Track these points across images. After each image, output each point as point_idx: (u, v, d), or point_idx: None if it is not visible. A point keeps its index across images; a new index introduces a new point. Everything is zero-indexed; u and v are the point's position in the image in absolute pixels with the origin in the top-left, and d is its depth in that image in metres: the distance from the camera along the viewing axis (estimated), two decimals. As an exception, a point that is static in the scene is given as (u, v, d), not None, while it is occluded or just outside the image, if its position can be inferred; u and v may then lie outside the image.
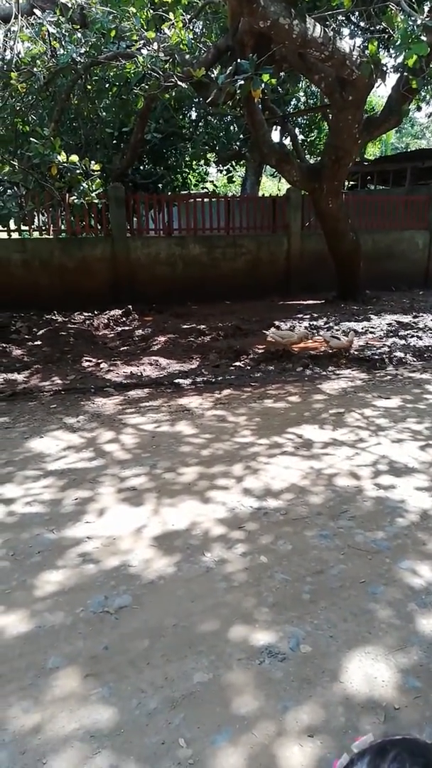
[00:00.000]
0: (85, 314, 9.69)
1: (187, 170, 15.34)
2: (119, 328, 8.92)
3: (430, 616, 2.45)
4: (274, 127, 14.37)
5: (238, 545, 3.00)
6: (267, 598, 2.58)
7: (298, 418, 5.01)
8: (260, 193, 17.78)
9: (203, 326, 8.78)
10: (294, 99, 15.41)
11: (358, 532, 3.13)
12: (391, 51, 10.46)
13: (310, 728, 1.93)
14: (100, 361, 6.93)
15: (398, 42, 6.09)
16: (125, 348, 7.73)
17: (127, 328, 8.95)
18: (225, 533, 3.12)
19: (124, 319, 9.38)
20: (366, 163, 17.56)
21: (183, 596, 2.60)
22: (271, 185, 27.66)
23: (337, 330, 8.62)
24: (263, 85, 5.81)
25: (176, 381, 6.08)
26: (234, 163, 16.33)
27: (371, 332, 8.45)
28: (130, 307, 9.67)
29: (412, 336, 8.15)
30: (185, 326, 8.84)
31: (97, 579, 2.73)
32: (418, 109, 12.00)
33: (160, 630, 2.40)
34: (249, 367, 6.69)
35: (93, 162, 7.04)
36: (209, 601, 2.57)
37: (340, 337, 7.12)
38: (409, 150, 24.10)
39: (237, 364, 6.81)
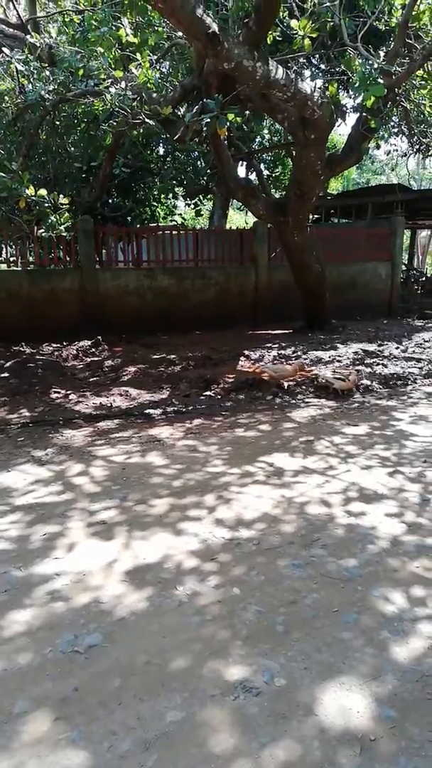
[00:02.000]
0: (54, 345, 9.62)
1: (155, 203, 15.57)
2: (88, 359, 8.87)
3: (403, 643, 2.45)
4: (240, 162, 14.76)
5: (211, 577, 2.96)
6: (241, 631, 2.55)
7: (268, 446, 5.03)
8: (228, 226, 18.13)
9: (173, 356, 8.80)
10: (259, 136, 15.88)
11: (330, 560, 3.13)
12: (351, 92, 10.95)
13: (287, 764, 1.89)
14: (69, 392, 6.86)
15: (357, 84, 6.39)
16: (95, 379, 7.68)
17: (96, 358, 8.91)
18: (197, 565, 3.08)
19: (93, 349, 9.34)
20: (329, 198, 18.11)
21: (155, 632, 2.55)
22: (239, 218, 28.24)
23: (305, 358, 8.74)
24: (228, 123, 6.00)
25: (147, 411, 6.06)
26: (201, 197, 16.65)
27: (338, 361, 8.59)
28: (99, 338, 9.65)
29: (378, 364, 8.32)
30: (155, 356, 8.85)
31: (66, 617, 2.66)
32: (377, 147, 12.51)
33: (132, 668, 2.34)
34: (219, 397, 6.72)
35: (61, 196, 7.09)
36: (182, 636, 2.52)
37: (344, 378, 6.83)
38: (369, 185, 25.00)
39: (207, 393, 6.83)
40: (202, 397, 6.65)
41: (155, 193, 14.68)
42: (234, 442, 5.16)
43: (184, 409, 6.14)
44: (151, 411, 6.07)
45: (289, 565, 3.07)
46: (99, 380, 7.58)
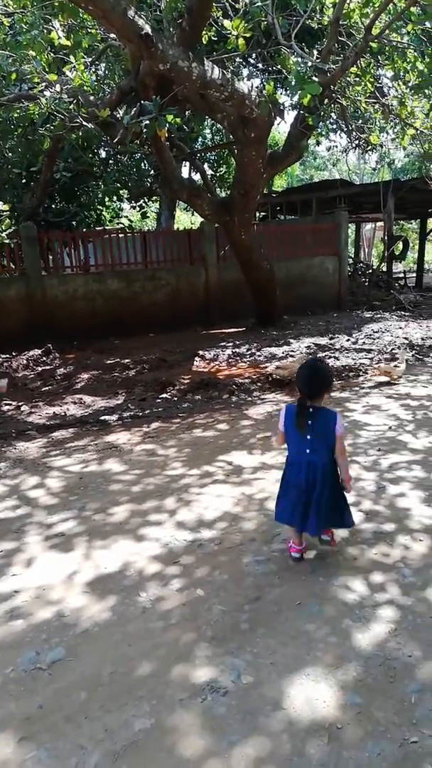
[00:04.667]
0: (3, 356, 9.39)
1: (100, 207, 15.39)
2: (40, 368, 8.70)
3: (365, 630, 2.50)
4: (183, 163, 14.77)
5: (174, 581, 2.95)
6: (206, 632, 2.55)
7: (227, 445, 5.05)
8: (175, 227, 18.10)
9: (127, 360, 8.72)
10: (201, 136, 15.92)
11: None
12: (288, 90, 11.09)
13: (257, 761, 1.90)
14: (20, 403, 6.70)
15: (293, 82, 6.48)
16: (47, 388, 7.53)
17: (48, 367, 8.74)
18: (160, 570, 3.06)
19: (44, 358, 9.16)
20: (274, 195, 18.31)
21: (119, 641, 2.52)
22: (186, 219, 28.22)
23: (259, 355, 8.82)
24: (168, 124, 5.98)
25: (102, 418, 5.98)
26: (147, 199, 16.56)
27: (291, 356, 8.70)
28: (50, 345, 9.46)
29: (330, 357, 8.46)
30: (109, 361, 8.76)
31: (27, 634, 2.59)
32: (318, 143, 12.74)
33: (98, 680, 2.30)
34: (176, 398, 6.70)
35: (1, 202, 6.92)
36: (147, 643, 2.50)
37: (399, 364, 7.05)
38: (313, 181, 25.40)
39: (164, 396, 6.80)
40: (159, 400, 6.62)
41: (99, 196, 14.52)
42: (192, 443, 5.15)
43: (140, 414, 6.09)
44: (106, 417, 6.00)
45: (252, 562, 3.09)
46: (51, 389, 7.44)
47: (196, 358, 8.89)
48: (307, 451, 2.92)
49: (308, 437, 2.91)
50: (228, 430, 5.50)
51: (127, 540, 3.41)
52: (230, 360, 8.76)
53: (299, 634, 2.50)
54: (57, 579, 3.02)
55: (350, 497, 3.82)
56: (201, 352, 9.22)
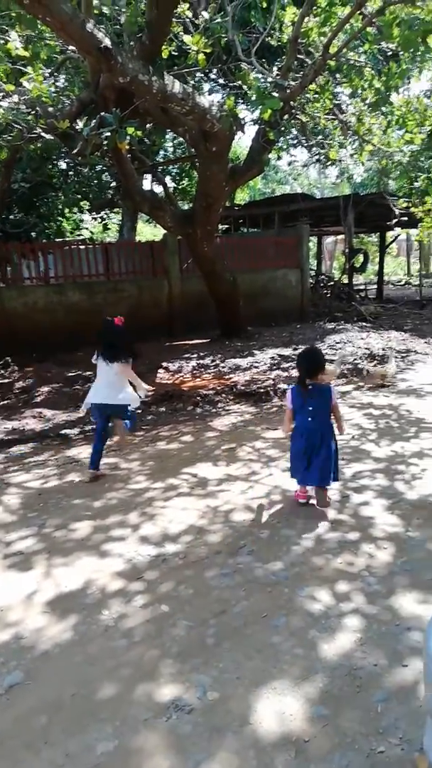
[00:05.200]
0: (-39, 371, 9.12)
1: (60, 218, 15.23)
2: (-1, 382, 8.48)
3: (331, 640, 2.49)
4: (145, 175, 14.77)
5: (138, 597, 2.89)
6: (171, 649, 2.49)
7: (191, 457, 5.01)
8: (138, 239, 18.06)
9: (89, 373, 8.58)
10: (162, 149, 15.98)
11: (257, 565, 3.14)
12: (248, 105, 11.24)
13: (223, 780, 1.86)
14: (-21, 418, 6.51)
15: (253, 98, 6.57)
16: (5, 402, 7.34)
17: (6, 381, 8.53)
18: (123, 587, 2.99)
19: (2, 371, 8.95)
20: (237, 208, 18.49)
21: (81, 662, 2.44)
22: (149, 231, 28.22)
23: (223, 366, 8.83)
24: (129, 137, 5.97)
25: (63, 432, 5.86)
26: (108, 210, 16.49)
27: (255, 367, 8.74)
28: (8, 358, 9.25)
29: (293, 368, 8.53)
30: (70, 374, 8.61)
31: (-16, 658, 2.49)
32: (279, 158, 12.96)
33: (59, 703, 2.22)
34: (140, 411, 6.61)
35: (-42, 213, 6.76)
36: (110, 662, 2.43)
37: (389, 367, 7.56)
38: (275, 195, 25.79)
39: (127, 408, 6.70)
40: (122, 413, 6.52)
41: (59, 207, 14.37)
42: (156, 455, 5.09)
43: (103, 427, 5.99)
44: (67, 431, 5.88)
45: (217, 575, 3.05)
46: (10, 403, 7.26)
47: (160, 370, 8.84)
48: (309, 419, 3.70)
49: (309, 408, 3.69)
50: (193, 441, 5.46)
51: (89, 556, 3.33)
52: (194, 371, 8.74)
53: (265, 647, 2.47)
54: (15, 599, 2.92)
55: (315, 507, 3.84)
56: (165, 364, 9.18)
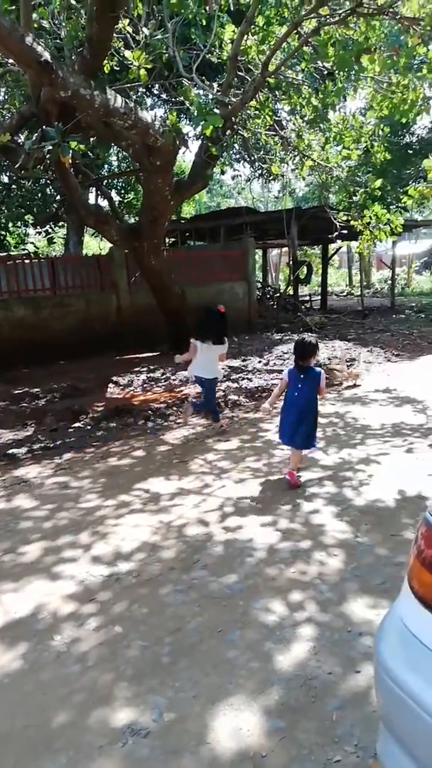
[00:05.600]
0: None
1: (4, 232, 14.90)
2: None
3: (286, 651, 2.51)
4: (90, 189, 14.66)
5: (91, 620, 2.82)
6: (125, 671, 2.45)
7: (143, 472, 4.97)
8: (84, 253, 17.86)
9: (37, 389, 8.40)
10: (107, 163, 15.92)
11: (211, 580, 3.13)
12: (191, 121, 11.36)
13: (182, 803, 1.83)
14: None
15: (195, 113, 6.64)
16: None
17: None
18: (75, 609, 2.92)
19: None
20: (183, 222, 18.60)
21: (32, 691, 2.36)
22: (95, 244, 27.97)
23: (173, 379, 8.82)
24: (72, 151, 5.92)
25: (10, 452, 5.69)
26: (53, 224, 16.25)
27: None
28: None
29: (243, 378, 8.62)
30: (17, 391, 8.39)
31: None
32: (222, 173, 13.14)
33: (9, 735, 2.14)
34: (90, 427, 6.52)
35: None
36: (63, 689, 2.36)
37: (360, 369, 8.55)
38: (220, 208, 26.09)
39: (77, 425, 6.59)
40: (71, 430, 6.41)
41: (2, 221, 14.06)
42: (108, 472, 5.02)
43: (51, 445, 5.86)
44: (14, 450, 5.72)
45: (172, 592, 3.03)
46: None
47: (110, 385, 8.74)
48: (296, 394, 4.45)
49: (299, 385, 4.44)
50: (144, 456, 5.42)
51: (39, 580, 3.23)
52: (145, 385, 8.68)
53: (221, 663, 2.46)
54: (-38, 630, 2.80)
55: (268, 518, 3.88)
56: (115, 379, 9.08)
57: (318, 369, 4.49)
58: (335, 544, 3.46)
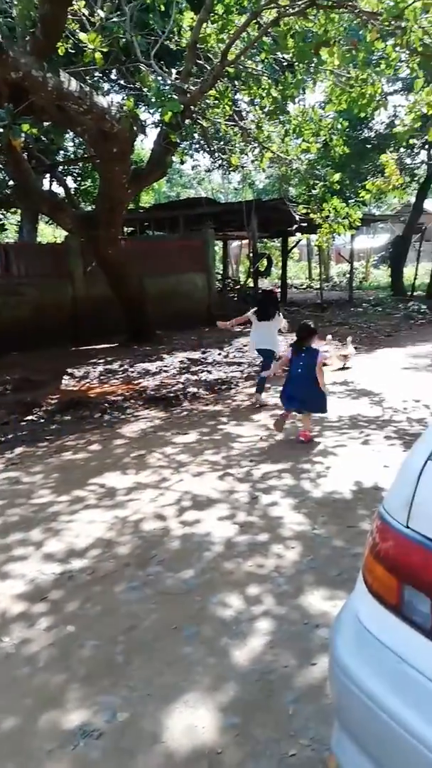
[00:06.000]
0: None
1: None
2: None
3: (242, 645, 2.48)
4: (45, 175, 14.26)
5: (42, 619, 2.73)
6: (77, 672, 2.38)
7: (99, 467, 4.86)
8: (38, 240, 17.41)
9: (-10, 380, 8.14)
10: (62, 149, 15.52)
11: (167, 575, 3.08)
12: (149, 108, 11.17)
13: (134, 806, 1.78)
14: None
15: (153, 99, 6.52)
16: None
17: None
18: (26, 609, 2.82)
19: None
20: (141, 211, 18.34)
21: (-21, 696, 2.26)
22: (50, 232, 27.31)
23: (132, 371, 8.69)
24: (25, 134, 5.71)
25: (-40, 446, 5.49)
26: (5, 211, 15.76)
27: (165, 371, 8.68)
28: None
29: (203, 371, 8.57)
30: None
31: None
32: (182, 162, 12.99)
33: None
34: (43, 420, 6.35)
35: None
36: (11, 692, 2.27)
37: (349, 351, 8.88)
38: (180, 198, 25.88)
39: (29, 418, 6.41)
40: (24, 423, 6.23)
41: None
42: (62, 467, 4.89)
43: (2, 439, 5.68)
44: (-35, 445, 5.52)
45: (126, 589, 2.96)
46: None
47: (65, 377, 8.55)
48: (299, 370, 5.19)
49: (300, 363, 5.18)
50: (100, 450, 5.31)
51: (-12, 580, 3.11)
52: (102, 377, 8.53)
53: (177, 660, 2.42)
54: None
55: (226, 510, 3.86)
56: (70, 370, 8.89)
57: (318, 348, 5.32)
58: (293, 536, 3.46)
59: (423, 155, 20.02)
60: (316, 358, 5.14)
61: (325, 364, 6.04)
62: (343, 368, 8.61)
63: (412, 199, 21.39)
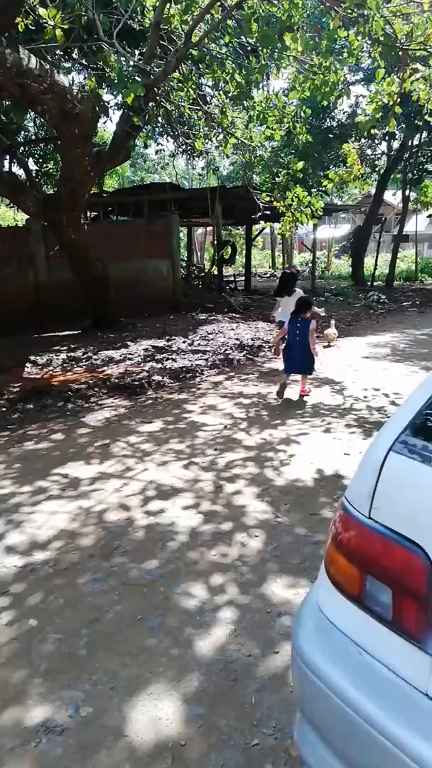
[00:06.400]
0: None
1: None
2: None
3: (206, 635, 2.49)
4: (4, 156, 13.79)
5: (2, 614, 2.68)
6: (39, 666, 2.34)
7: (62, 456, 4.79)
8: (-1, 224, 16.90)
9: None
10: (23, 129, 15.04)
11: (132, 566, 3.06)
12: (112, 89, 10.91)
13: (98, 801, 1.77)
14: None
15: (115, 81, 6.35)
16: None
17: None
18: (-14, 604, 2.76)
19: None
20: (105, 195, 17.98)
21: None
22: (11, 215, 26.56)
23: (95, 359, 8.57)
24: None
25: None
26: (-36, 193, 15.18)
27: (129, 359, 8.59)
28: None
29: (168, 359, 8.51)
30: None
31: None
32: (146, 146, 12.76)
33: None
34: (4, 410, 6.20)
35: None
36: (-30, 691, 2.23)
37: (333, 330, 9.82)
38: (144, 184, 25.48)
39: (-11, 407, 6.25)
40: (-16, 413, 6.07)
41: None
42: (23, 457, 4.80)
43: (-38, 429, 5.53)
44: None
45: (90, 581, 2.93)
46: None
47: (27, 364, 8.37)
48: (297, 338, 6.19)
49: (297, 332, 6.22)
50: (63, 440, 5.23)
51: None
52: (65, 365, 8.38)
53: (141, 652, 2.41)
54: None
55: (190, 500, 3.85)
56: (33, 358, 8.70)
57: (310, 319, 6.28)
58: (256, 524, 3.49)
59: (383, 146, 20.24)
60: (308, 326, 6.16)
61: (318, 336, 7.12)
62: (328, 346, 9.60)
63: (373, 190, 21.65)
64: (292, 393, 6.55)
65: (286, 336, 6.39)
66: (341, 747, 1.30)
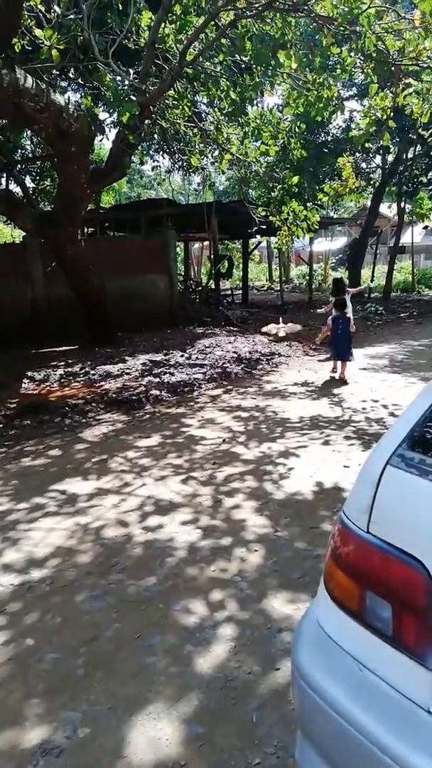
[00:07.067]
0: None
1: None
2: None
3: (206, 653, 2.46)
4: (2, 174, 13.93)
5: (-1, 634, 2.65)
6: (37, 687, 2.31)
7: (59, 472, 4.76)
8: (-4, 241, 16.99)
9: None
10: (20, 147, 15.19)
11: (130, 583, 3.03)
12: (108, 107, 11.03)
13: None
14: None
15: (111, 99, 6.43)
16: None
17: None
18: (-18, 624, 2.73)
19: None
20: (102, 211, 18.10)
21: None
22: (8, 232, 26.71)
23: (93, 374, 8.56)
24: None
25: None
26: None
27: (127, 373, 8.59)
28: None
29: (165, 373, 8.51)
30: None
31: None
32: (142, 163, 12.85)
33: None
34: (1, 426, 6.19)
35: None
36: (-33, 713, 2.19)
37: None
38: (141, 199, 25.67)
39: (-13, 424, 6.23)
40: (-19, 429, 6.05)
41: None
42: (20, 473, 4.77)
43: (-41, 446, 5.51)
44: None
45: (87, 599, 2.90)
46: None
47: (25, 380, 8.36)
48: (339, 331, 7.82)
49: (340, 326, 7.84)
50: (61, 455, 5.21)
51: None
52: (62, 380, 8.37)
53: (139, 670, 2.38)
54: None
55: (189, 515, 3.83)
56: (30, 373, 8.69)
57: (348, 316, 7.88)
58: (255, 539, 3.46)
59: (378, 160, 20.46)
60: (349, 322, 7.81)
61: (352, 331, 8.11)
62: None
63: (368, 203, 21.83)
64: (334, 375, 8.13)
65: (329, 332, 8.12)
66: (342, 765, 1.28)
